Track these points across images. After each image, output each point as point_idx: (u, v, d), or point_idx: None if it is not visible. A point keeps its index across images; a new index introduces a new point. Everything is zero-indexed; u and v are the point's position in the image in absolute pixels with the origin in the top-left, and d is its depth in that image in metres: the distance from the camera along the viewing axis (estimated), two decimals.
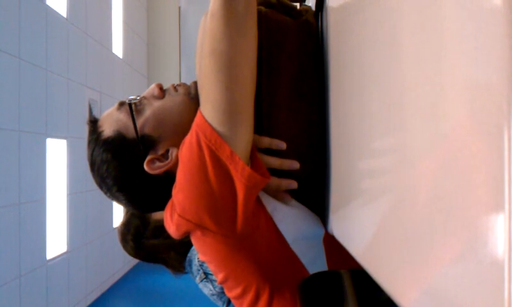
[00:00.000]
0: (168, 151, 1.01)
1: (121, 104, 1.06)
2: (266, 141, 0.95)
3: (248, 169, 0.85)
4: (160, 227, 1.85)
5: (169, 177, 0.99)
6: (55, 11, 4.51)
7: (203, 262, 1.64)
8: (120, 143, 1.03)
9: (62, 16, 4.69)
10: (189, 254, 1.75)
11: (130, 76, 6.84)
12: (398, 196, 0.44)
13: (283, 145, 0.94)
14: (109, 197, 1.08)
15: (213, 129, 0.85)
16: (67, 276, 4.63)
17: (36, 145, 4.06)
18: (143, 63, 7.50)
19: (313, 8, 1.06)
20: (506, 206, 0.25)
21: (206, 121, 0.86)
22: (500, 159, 0.25)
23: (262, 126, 0.95)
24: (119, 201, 1.07)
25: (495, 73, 0.26)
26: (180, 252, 1.79)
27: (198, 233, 0.91)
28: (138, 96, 1.07)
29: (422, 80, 0.37)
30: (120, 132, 1.03)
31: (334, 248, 0.97)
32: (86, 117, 5.07)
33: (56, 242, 4.44)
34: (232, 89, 0.86)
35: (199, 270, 1.62)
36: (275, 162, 0.94)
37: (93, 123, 1.09)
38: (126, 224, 1.88)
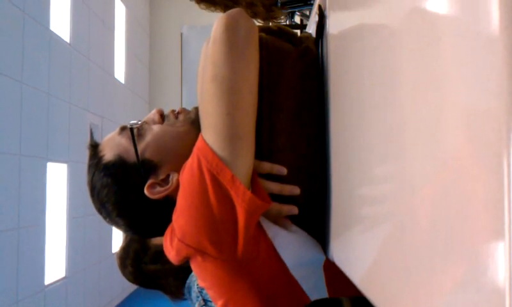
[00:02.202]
0: (168, 176, 1.01)
1: (123, 129, 1.06)
2: (267, 166, 0.95)
3: (249, 193, 0.85)
4: (159, 252, 1.84)
5: (169, 202, 0.99)
6: (58, 36, 4.54)
7: (202, 289, 1.62)
8: (120, 168, 1.03)
9: (65, 42, 4.73)
10: (188, 281, 1.74)
11: (131, 101, 6.87)
12: (398, 223, 0.44)
13: (283, 171, 0.94)
14: (108, 222, 1.08)
15: (214, 154, 0.85)
16: (65, 302, 4.60)
17: (37, 169, 4.06)
18: (145, 88, 7.54)
19: (314, 35, 1.06)
20: (506, 233, 0.25)
21: (207, 145, 0.86)
22: (500, 186, 0.25)
23: (262, 151, 0.95)
24: (118, 226, 1.07)
25: (494, 100, 0.26)
26: (179, 278, 1.78)
27: (198, 258, 0.90)
28: (139, 121, 1.07)
29: (421, 107, 0.37)
30: (121, 157, 1.03)
31: (334, 274, 0.96)
32: (87, 141, 5.06)
33: (55, 267, 4.42)
34: (233, 114, 0.86)
35: (198, 296, 1.61)
36: (276, 187, 0.94)
37: (94, 147, 1.10)
38: (125, 249, 1.87)
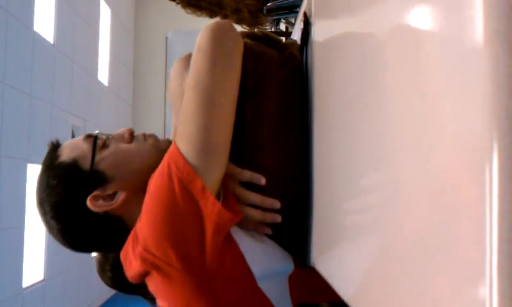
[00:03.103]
0: (115, 193, 1.00)
1: (88, 136, 1.06)
2: (247, 175, 0.95)
3: (218, 205, 0.84)
4: None
5: (108, 219, 0.99)
6: (42, 37, 4.51)
7: None
8: (71, 171, 1.02)
9: (49, 42, 4.70)
10: None
11: (115, 104, 6.83)
12: (381, 231, 0.44)
13: (262, 181, 0.94)
14: (42, 222, 1.06)
15: (186, 162, 0.84)
16: (43, 305, 4.54)
17: (17, 170, 4.02)
18: (129, 92, 7.50)
19: (299, 42, 1.07)
20: (494, 243, 0.25)
21: (180, 152, 0.85)
22: (483, 199, 0.25)
23: (245, 158, 0.95)
24: (51, 230, 1.05)
25: (478, 108, 0.26)
26: None
27: (161, 272, 0.87)
28: (110, 135, 1.07)
29: (406, 115, 0.37)
30: (76, 161, 1.02)
31: (297, 284, 0.97)
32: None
33: (33, 270, 4.36)
34: (210, 125, 0.86)
35: None
36: (257, 198, 0.94)
37: (55, 146, 1.09)
38: (104, 253, 1.85)
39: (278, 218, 0.95)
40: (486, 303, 0.25)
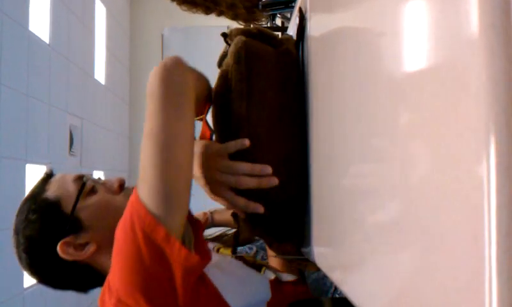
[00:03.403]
0: (87, 243, 1.01)
1: (80, 178, 1.06)
2: (231, 145, 0.94)
3: (184, 250, 0.84)
4: None
5: (74, 267, 1.00)
6: (37, 36, 4.50)
7: None
8: (52, 211, 1.03)
9: (44, 42, 4.68)
10: None
11: (112, 103, 6.82)
12: (379, 226, 0.44)
13: (246, 142, 0.93)
14: (14, 250, 1.08)
15: (147, 210, 0.84)
16: (44, 305, 4.54)
17: (16, 170, 4.01)
18: (126, 90, 7.49)
19: (294, 38, 1.07)
20: (493, 238, 0.25)
21: (140, 201, 0.85)
22: (481, 193, 0.25)
23: (242, 158, 0.95)
24: (21, 261, 1.07)
25: (475, 103, 0.26)
26: None
27: None
28: (100, 180, 1.08)
29: (403, 108, 0.37)
30: (59, 202, 1.04)
31: None
32: (67, 143, 5.05)
33: None
34: (167, 171, 0.85)
35: None
36: (247, 166, 0.93)
37: (48, 176, 1.10)
38: None
39: (260, 208, 0.94)
40: (485, 297, 0.25)
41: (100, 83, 6.41)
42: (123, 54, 7.46)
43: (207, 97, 1.03)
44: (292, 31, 1.17)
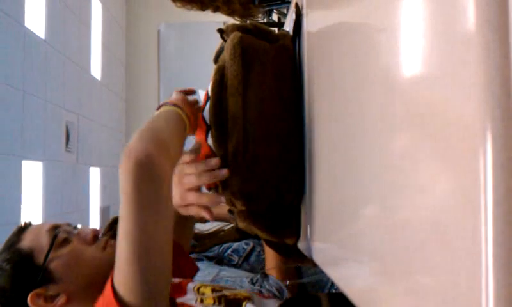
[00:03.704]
0: (58, 295, 1.01)
1: (55, 228, 1.07)
2: (186, 156, 0.98)
3: None
4: None
5: None
6: (33, 32, 4.48)
7: None
8: (24, 261, 1.03)
9: (40, 38, 4.67)
10: None
11: (108, 99, 6.81)
12: (375, 222, 0.44)
13: (211, 162, 0.96)
14: None
15: None
16: None
17: (12, 167, 4.00)
18: (122, 86, 7.47)
19: (291, 33, 1.06)
20: (489, 234, 0.25)
21: (116, 299, 0.84)
22: (477, 189, 0.25)
23: (239, 152, 0.94)
24: None
25: (471, 99, 0.26)
26: None
27: None
28: (76, 228, 1.08)
29: (400, 105, 0.37)
30: (32, 252, 1.04)
31: None
32: (63, 139, 5.05)
33: None
34: (147, 277, 0.83)
35: None
36: (197, 167, 0.97)
37: (23, 228, 1.11)
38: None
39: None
40: (482, 292, 0.25)
41: (96, 79, 6.40)
42: (120, 49, 7.44)
43: (193, 124, 1.04)
44: (288, 26, 1.17)
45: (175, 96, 1.05)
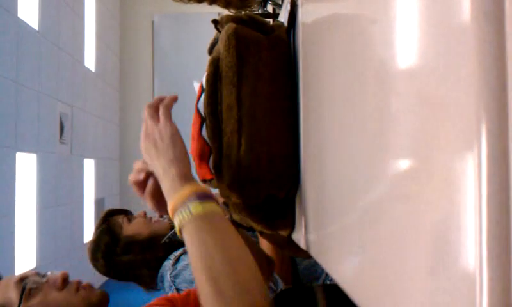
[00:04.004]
0: None
1: (22, 280, 1.06)
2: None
3: None
4: (130, 243, 1.83)
5: None
6: (26, 23, 4.46)
7: (175, 277, 1.62)
8: None
9: (33, 29, 4.65)
10: (161, 270, 1.73)
11: (102, 90, 6.79)
12: (369, 213, 0.44)
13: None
14: None
15: None
16: None
17: (6, 159, 3.99)
18: (116, 77, 7.45)
19: (286, 25, 1.06)
20: (483, 225, 0.25)
21: None
22: (472, 181, 0.25)
23: (232, 144, 0.94)
24: None
25: (466, 91, 0.26)
26: (151, 267, 1.78)
27: None
28: (44, 275, 1.07)
29: (395, 97, 0.37)
30: None
31: None
32: (57, 131, 5.03)
33: (25, 258, 4.36)
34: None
35: (171, 286, 1.61)
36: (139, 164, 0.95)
37: None
38: (96, 241, 1.85)
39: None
40: (475, 285, 0.25)
41: (90, 70, 6.37)
42: (114, 40, 7.42)
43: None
44: (283, 17, 1.16)
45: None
